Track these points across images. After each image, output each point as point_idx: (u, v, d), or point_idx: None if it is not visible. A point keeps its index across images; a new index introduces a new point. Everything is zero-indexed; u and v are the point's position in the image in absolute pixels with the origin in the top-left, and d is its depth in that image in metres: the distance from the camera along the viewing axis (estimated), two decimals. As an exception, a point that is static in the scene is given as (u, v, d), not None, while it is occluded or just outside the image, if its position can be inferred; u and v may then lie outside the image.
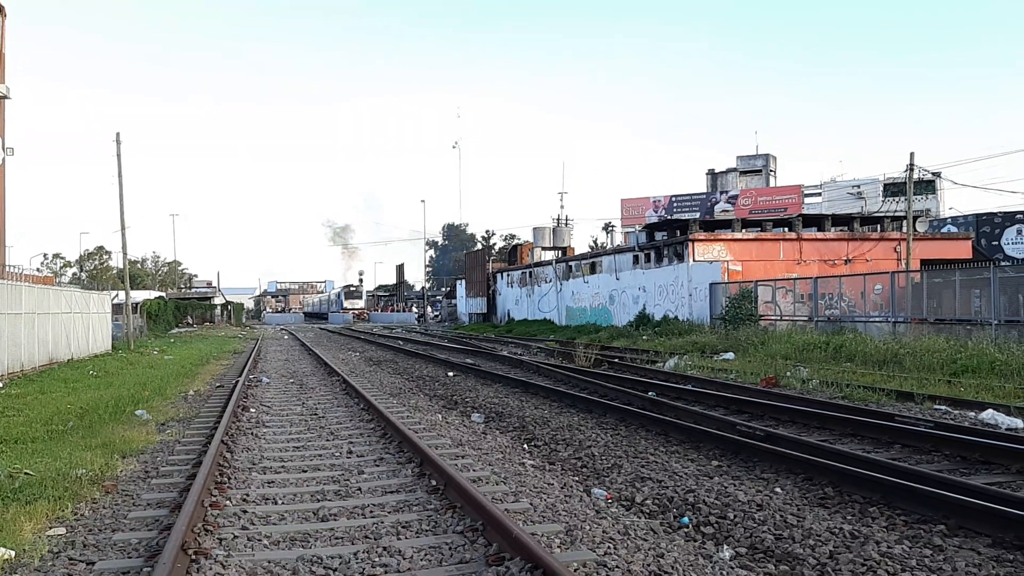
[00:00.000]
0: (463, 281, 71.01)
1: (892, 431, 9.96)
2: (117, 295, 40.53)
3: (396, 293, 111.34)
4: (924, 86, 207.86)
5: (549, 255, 57.94)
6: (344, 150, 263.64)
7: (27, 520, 6.37)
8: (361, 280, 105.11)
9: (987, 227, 44.52)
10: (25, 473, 8.15)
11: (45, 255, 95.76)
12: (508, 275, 59.74)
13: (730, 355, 21.68)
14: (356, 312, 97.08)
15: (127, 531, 6.30)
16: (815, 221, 38.16)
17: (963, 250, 36.26)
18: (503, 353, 27.41)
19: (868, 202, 59.02)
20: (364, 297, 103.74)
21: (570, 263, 49.01)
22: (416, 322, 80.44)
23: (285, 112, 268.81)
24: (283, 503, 7.14)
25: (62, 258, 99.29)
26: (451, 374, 20.37)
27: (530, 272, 54.59)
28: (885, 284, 24.74)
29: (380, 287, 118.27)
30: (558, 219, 69.37)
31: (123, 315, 37.97)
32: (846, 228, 37.23)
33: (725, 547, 5.99)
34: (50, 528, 6.36)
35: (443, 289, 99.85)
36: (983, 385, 14.23)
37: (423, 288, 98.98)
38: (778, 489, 7.62)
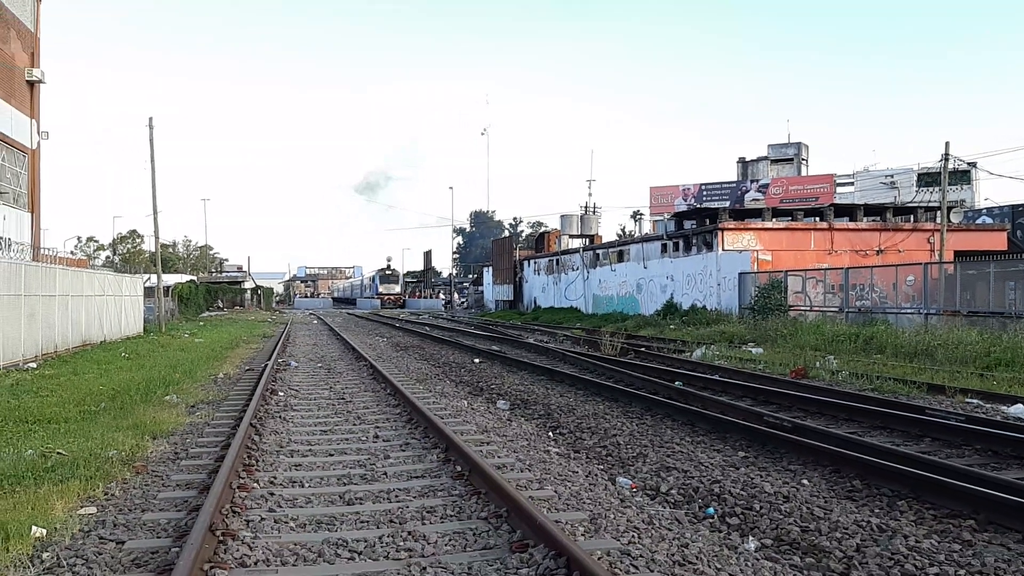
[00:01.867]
0: (490, 268, 70.98)
1: (922, 424, 9.83)
2: (149, 278, 41.08)
3: (423, 279, 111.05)
4: (960, 75, 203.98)
5: (576, 243, 57.73)
6: (374, 135, 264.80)
7: (59, 499, 6.50)
8: (389, 265, 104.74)
9: (1023, 218, 43.68)
10: (58, 452, 8.31)
11: (79, 238, 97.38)
12: (535, 262, 59.64)
13: (759, 347, 21.50)
14: (392, 297, 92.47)
15: (157, 511, 6.39)
16: (847, 211, 37.65)
17: (998, 241, 35.61)
18: (529, 341, 27.41)
19: (902, 192, 58.20)
20: (401, 281, 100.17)
21: (597, 251, 48.81)
22: (443, 308, 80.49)
23: (315, 97, 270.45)
24: (310, 486, 7.21)
25: (95, 241, 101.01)
26: (477, 361, 20.40)
27: (557, 260, 54.46)
28: (917, 275, 24.37)
29: (408, 273, 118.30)
30: (586, 207, 69.16)
31: (155, 298, 38.46)
32: (879, 218, 36.68)
33: (750, 538, 5.95)
34: (81, 507, 6.46)
35: (470, 276, 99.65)
36: (1017, 379, 13.98)
37: (450, 275, 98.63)
38: (805, 481, 7.55)
